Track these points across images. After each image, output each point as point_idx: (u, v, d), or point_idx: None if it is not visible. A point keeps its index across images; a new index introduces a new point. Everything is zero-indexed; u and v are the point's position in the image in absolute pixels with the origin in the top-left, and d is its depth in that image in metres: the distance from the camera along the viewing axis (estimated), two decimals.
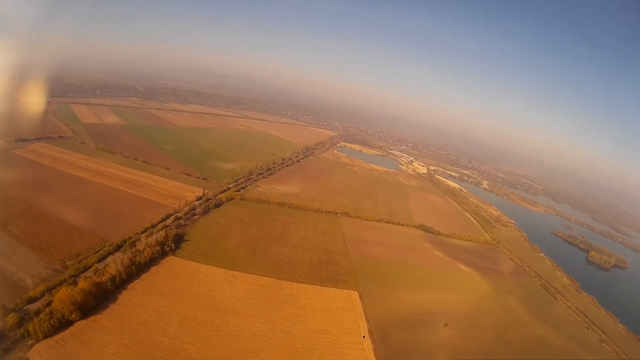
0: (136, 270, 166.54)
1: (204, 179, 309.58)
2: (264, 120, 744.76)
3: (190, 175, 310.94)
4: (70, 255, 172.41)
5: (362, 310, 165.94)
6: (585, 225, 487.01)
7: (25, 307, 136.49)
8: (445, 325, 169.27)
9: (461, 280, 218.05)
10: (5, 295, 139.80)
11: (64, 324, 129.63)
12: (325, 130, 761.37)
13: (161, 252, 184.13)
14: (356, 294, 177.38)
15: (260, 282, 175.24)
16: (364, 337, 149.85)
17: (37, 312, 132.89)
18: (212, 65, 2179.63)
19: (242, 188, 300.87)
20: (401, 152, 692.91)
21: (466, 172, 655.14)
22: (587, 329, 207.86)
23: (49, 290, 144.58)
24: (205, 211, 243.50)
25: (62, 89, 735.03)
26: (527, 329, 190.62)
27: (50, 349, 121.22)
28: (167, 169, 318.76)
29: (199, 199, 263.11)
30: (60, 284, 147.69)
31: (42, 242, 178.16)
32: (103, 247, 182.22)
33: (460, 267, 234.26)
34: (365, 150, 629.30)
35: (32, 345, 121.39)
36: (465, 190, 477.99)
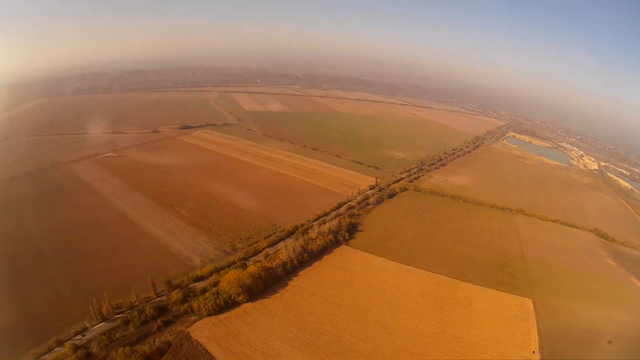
0: (308, 257, 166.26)
1: (376, 168, 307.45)
2: (429, 107, 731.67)
3: (361, 164, 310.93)
4: (241, 238, 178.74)
5: (534, 321, 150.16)
6: None
7: (190, 285, 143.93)
8: (609, 342, 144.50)
9: (636, 298, 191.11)
10: (171, 272, 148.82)
11: (229, 305, 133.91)
12: (492, 119, 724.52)
13: (334, 241, 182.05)
14: (530, 302, 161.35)
15: (435, 280, 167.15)
16: (533, 352, 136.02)
17: (203, 291, 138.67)
18: (370, 53, 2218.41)
19: (415, 178, 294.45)
20: (570, 144, 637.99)
21: (637, 170, 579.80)
22: None
23: (217, 270, 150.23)
24: (379, 201, 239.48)
25: (221, 78, 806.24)
26: None
27: (212, 326, 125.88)
28: (337, 156, 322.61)
29: (371, 188, 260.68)
30: (229, 266, 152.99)
31: (210, 224, 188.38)
32: (274, 233, 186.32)
33: (635, 283, 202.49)
34: (535, 141, 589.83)
35: (194, 321, 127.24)
36: (638, 192, 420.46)
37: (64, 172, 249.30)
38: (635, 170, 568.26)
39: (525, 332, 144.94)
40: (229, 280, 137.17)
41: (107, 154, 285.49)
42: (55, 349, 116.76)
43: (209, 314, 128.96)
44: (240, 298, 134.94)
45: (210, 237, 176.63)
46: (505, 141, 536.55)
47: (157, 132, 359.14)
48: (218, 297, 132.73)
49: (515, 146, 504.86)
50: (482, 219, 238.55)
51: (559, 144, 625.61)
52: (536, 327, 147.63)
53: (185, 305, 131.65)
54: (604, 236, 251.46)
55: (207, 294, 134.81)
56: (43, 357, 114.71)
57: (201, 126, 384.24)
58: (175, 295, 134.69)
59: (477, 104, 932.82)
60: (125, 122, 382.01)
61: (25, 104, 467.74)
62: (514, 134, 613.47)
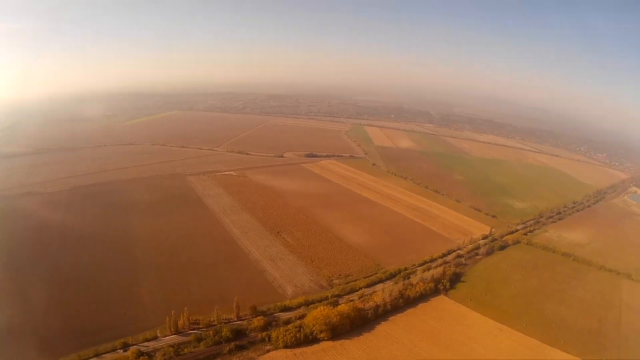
0: (403, 303, 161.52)
1: (493, 217, 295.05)
2: (557, 156, 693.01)
3: (480, 211, 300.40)
4: (340, 275, 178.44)
5: None
6: None
7: (276, 314, 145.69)
8: None
9: None
10: (260, 298, 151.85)
11: (309, 340, 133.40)
12: (617, 172, 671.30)
13: (434, 290, 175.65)
14: None
15: (525, 342, 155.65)
16: None
17: (287, 322, 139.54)
18: (506, 93, 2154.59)
19: (530, 232, 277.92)
20: None
21: None
22: None
23: (307, 304, 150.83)
24: (489, 252, 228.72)
25: (356, 110, 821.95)
26: None
27: (285, 358, 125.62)
28: (457, 200, 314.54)
29: (484, 237, 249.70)
30: (320, 301, 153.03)
31: (313, 256, 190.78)
32: (375, 273, 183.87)
33: None
34: None
35: (267, 351, 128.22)
36: None
37: (179, 183, 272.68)
38: None
39: None
40: (316, 316, 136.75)
41: (226, 172, 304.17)
42: (119, 350, 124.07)
43: (285, 346, 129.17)
44: (322, 335, 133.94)
45: (309, 268, 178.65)
46: (627, 197, 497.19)
47: (282, 156, 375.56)
48: (299, 331, 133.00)
49: (635, 203, 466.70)
50: (587, 280, 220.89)
51: None
52: None
53: (264, 334, 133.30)
54: None
55: (289, 326, 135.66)
56: (104, 355, 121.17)
57: (327, 156, 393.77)
58: (257, 321, 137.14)
59: (605, 154, 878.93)
60: (252, 144, 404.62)
61: (157, 114, 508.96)
62: (637, 189, 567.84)
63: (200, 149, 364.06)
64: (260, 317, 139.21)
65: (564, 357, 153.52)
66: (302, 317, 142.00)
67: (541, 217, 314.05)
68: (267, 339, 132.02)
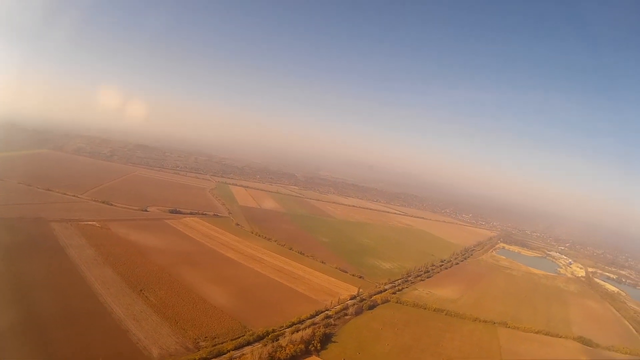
0: None
1: (360, 277, 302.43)
2: (422, 218, 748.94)
3: (346, 272, 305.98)
4: (206, 337, 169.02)
5: None
6: None
7: None
8: None
9: None
10: None
11: None
12: (483, 230, 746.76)
13: (304, 351, 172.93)
14: None
15: None
16: None
17: None
18: (371, 158, 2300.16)
19: (399, 290, 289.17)
20: (559, 252, 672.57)
21: (624, 272, 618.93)
22: None
23: None
24: (358, 312, 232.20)
25: (222, 169, 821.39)
26: None
27: None
28: (322, 262, 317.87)
29: (352, 297, 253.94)
30: None
31: (177, 316, 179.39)
32: (242, 335, 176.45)
33: None
34: (524, 251, 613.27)
35: None
36: (624, 294, 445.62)
37: (43, 229, 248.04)
38: (623, 272, 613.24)
39: None
40: None
41: (90, 222, 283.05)
42: None
43: None
44: None
45: (174, 329, 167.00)
46: (494, 252, 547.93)
47: (147, 210, 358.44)
48: None
49: (503, 257, 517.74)
50: (463, 332, 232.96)
51: (547, 252, 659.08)
52: None
53: None
54: (588, 343, 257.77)
55: None
56: None
57: (191, 213, 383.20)
58: None
59: (470, 215, 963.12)
60: (117, 194, 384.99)
61: (24, 150, 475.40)
62: (504, 245, 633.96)
63: (65, 194, 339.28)
64: None
65: None
66: None
67: (409, 276, 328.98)
68: None
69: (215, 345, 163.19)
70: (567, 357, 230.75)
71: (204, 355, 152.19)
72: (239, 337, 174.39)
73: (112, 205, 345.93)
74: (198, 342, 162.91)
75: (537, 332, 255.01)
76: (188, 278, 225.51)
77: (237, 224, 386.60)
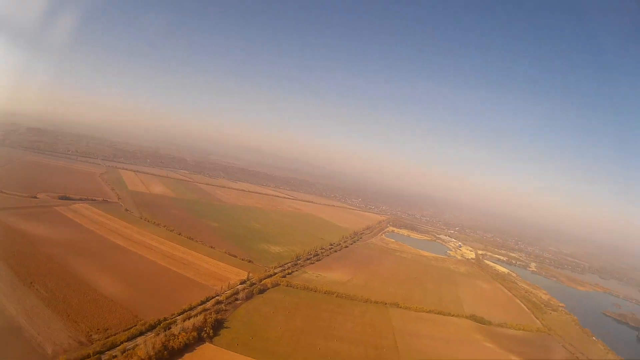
0: (168, 355, 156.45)
1: (249, 261, 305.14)
2: (312, 202, 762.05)
3: (235, 257, 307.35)
4: (98, 329, 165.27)
5: None
6: (634, 301, 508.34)
7: None
8: None
9: None
10: None
11: None
12: (373, 214, 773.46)
13: (197, 338, 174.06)
14: None
15: None
16: None
17: None
18: (261, 143, 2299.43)
19: (289, 274, 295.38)
20: (449, 236, 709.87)
21: (514, 254, 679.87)
22: None
23: None
24: (249, 296, 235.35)
25: (113, 153, 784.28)
26: None
27: None
28: (211, 247, 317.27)
29: (242, 282, 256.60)
30: None
31: (69, 309, 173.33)
32: (134, 325, 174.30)
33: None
34: (414, 235, 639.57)
35: None
36: (514, 275, 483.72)
37: None
38: (513, 255, 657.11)
39: None
40: None
41: None
42: None
43: None
44: None
45: (66, 323, 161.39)
46: (384, 235, 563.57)
47: (36, 197, 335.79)
48: None
49: (393, 240, 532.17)
50: (355, 314, 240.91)
51: (437, 236, 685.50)
52: None
53: None
54: (480, 320, 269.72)
55: None
56: None
57: (81, 199, 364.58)
58: None
59: (360, 200, 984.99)
60: (4, 182, 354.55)
61: None
62: (394, 229, 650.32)
63: None
64: None
65: None
66: None
67: (299, 259, 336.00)
68: None
69: (108, 337, 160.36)
70: (461, 334, 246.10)
71: (98, 349, 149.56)
72: (132, 328, 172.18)
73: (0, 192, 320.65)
74: (91, 335, 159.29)
75: (429, 312, 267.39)
76: (78, 268, 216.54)
77: (127, 210, 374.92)
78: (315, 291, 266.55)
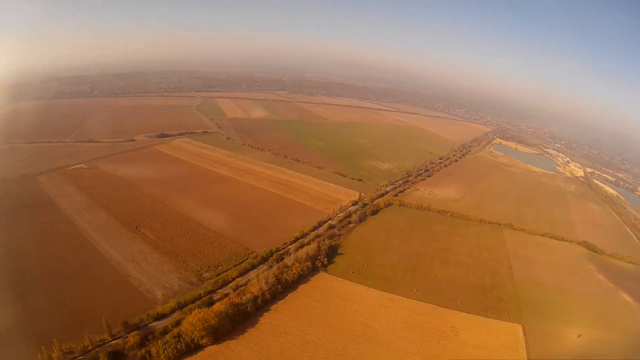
0: (282, 288, 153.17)
1: (360, 180, 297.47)
2: (416, 114, 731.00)
3: (345, 176, 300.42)
4: (209, 266, 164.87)
5: (524, 349, 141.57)
6: None
7: (150, 324, 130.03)
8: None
9: (624, 315, 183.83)
10: (130, 308, 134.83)
11: (192, 349, 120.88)
12: (478, 125, 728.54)
13: (312, 268, 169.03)
14: (520, 328, 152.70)
15: (420, 308, 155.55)
16: None
17: (164, 332, 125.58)
18: (357, 57, 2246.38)
19: (401, 192, 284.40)
20: (556, 150, 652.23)
21: (621, 175, 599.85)
22: None
23: (181, 307, 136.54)
24: (362, 218, 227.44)
25: (206, 83, 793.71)
26: None
27: None
28: (319, 168, 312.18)
29: (354, 203, 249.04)
30: (193, 301, 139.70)
31: (177, 249, 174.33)
32: (246, 259, 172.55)
33: (624, 297, 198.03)
34: (521, 148, 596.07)
35: None
36: (623, 198, 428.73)
37: (30, 185, 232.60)
38: (620, 175, 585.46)
39: None
40: (192, 322, 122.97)
41: (77, 166, 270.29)
42: None
43: None
44: (203, 341, 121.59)
45: (176, 265, 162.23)
46: (492, 148, 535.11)
47: (133, 140, 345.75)
48: (179, 341, 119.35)
49: (501, 154, 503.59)
50: (470, 235, 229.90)
51: (544, 150, 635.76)
52: (526, 357, 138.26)
53: (143, 351, 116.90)
54: (593, 249, 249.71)
55: (167, 337, 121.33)
56: None
57: (180, 134, 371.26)
58: (132, 338, 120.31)
59: (464, 110, 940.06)
60: (102, 130, 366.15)
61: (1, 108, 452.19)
62: (501, 141, 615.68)
63: (48, 142, 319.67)
64: (134, 333, 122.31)
65: (462, 317, 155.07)
66: (178, 323, 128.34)
67: (409, 176, 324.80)
68: (147, 355, 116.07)
69: (219, 274, 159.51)
70: (574, 263, 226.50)
71: (209, 288, 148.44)
72: (243, 262, 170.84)
73: (97, 142, 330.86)
74: (201, 274, 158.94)
75: (542, 235, 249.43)
76: (183, 205, 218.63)
77: (228, 138, 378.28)
78: (429, 210, 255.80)
